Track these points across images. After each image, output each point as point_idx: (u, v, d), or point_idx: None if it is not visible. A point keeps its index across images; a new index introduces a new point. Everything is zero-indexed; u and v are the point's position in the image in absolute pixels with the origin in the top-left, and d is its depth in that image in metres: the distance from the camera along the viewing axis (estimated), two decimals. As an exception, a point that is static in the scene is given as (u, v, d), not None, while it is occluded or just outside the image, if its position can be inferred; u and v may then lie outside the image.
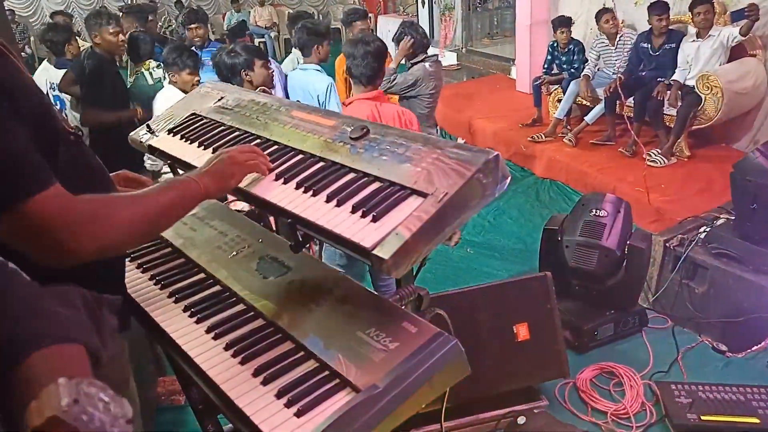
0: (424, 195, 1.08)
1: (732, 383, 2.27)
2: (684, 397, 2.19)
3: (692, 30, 4.80)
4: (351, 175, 1.22)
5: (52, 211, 0.92)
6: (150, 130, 1.75)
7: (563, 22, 5.44)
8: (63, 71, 4.13)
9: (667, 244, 3.05)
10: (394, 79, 3.70)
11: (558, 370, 2.25)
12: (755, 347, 2.53)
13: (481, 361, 2.08)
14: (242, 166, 1.25)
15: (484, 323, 2.17)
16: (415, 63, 3.81)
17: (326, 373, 1.07)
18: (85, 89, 3.76)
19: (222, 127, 1.61)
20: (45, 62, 4.61)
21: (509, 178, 1.14)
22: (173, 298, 1.36)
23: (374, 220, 1.08)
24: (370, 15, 8.31)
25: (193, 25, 4.62)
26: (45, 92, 4.04)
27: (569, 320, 2.67)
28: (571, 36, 5.50)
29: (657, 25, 4.76)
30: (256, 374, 1.10)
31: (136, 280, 1.44)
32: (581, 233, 2.83)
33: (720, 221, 3.06)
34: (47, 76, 4.24)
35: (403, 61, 3.90)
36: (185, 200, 1.15)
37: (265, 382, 1.08)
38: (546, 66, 5.75)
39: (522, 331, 2.20)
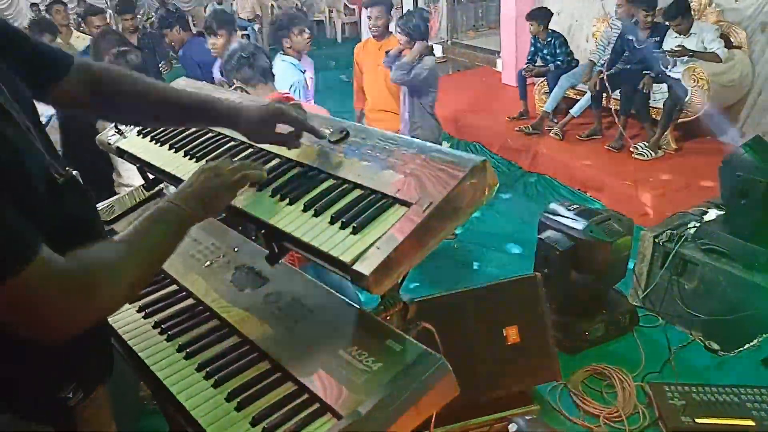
0: (408, 204, 1.01)
1: (726, 384, 2.23)
2: (677, 399, 2.15)
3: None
4: (330, 182, 1.14)
5: (37, 289, 0.79)
6: (119, 131, 1.65)
7: (534, 16, 5.40)
8: None
9: (656, 240, 3.00)
10: (411, 72, 3.58)
11: (549, 373, 2.20)
12: (747, 345, 2.49)
13: (471, 366, 2.02)
14: (229, 186, 1.08)
15: (473, 327, 2.10)
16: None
17: (305, 396, 1.00)
18: None
19: (194, 129, 1.52)
20: None
21: (497, 184, 1.07)
22: (142, 314, 1.28)
23: (355, 231, 1.00)
24: (353, 7, 8.20)
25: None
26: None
27: (559, 321, 2.62)
28: (550, 29, 5.45)
29: (644, 20, 4.73)
30: (230, 398, 1.03)
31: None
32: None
33: (709, 216, 3.02)
34: None
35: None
36: (176, 234, 1.01)
37: (239, 408, 1.01)
38: (529, 58, 5.71)
39: (512, 334, 2.14)
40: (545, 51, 5.51)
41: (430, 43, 3.79)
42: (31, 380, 0.95)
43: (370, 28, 4.19)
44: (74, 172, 1.00)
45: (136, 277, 0.93)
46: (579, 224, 2.56)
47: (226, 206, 1.15)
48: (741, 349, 2.49)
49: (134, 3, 10.33)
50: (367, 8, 4.16)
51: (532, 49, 5.66)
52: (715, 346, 2.57)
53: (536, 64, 5.66)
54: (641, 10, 4.71)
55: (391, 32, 4.10)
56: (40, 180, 0.89)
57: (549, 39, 5.43)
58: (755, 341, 2.46)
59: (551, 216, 2.68)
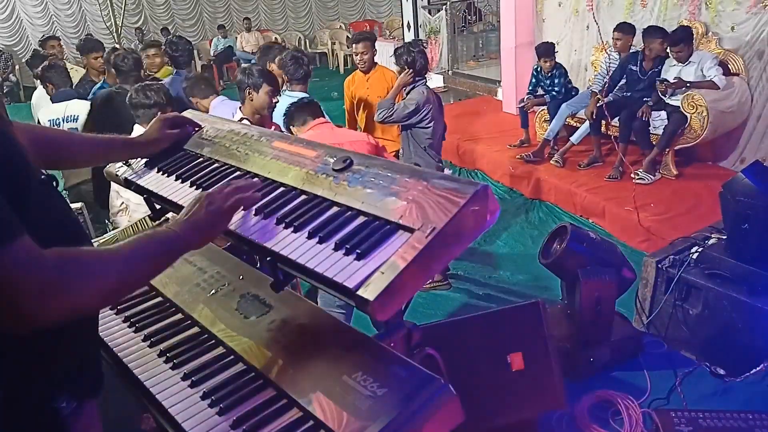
0: (411, 230, 1.02)
1: (733, 409, 2.21)
2: (684, 425, 2.13)
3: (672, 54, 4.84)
4: (334, 210, 1.16)
5: (18, 267, 0.80)
6: (126, 163, 1.68)
7: (547, 52, 5.48)
8: (71, 102, 4.07)
9: (659, 265, 3.01)
10: (393, 108, 3.65)
11: (554, 400, 2.18)
12: (754, 370, 2.48)
13: (476, 393, 2.01)
14: (224, 213, 1.13)
15: (477, 354, 2.10)
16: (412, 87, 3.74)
17: (310, 423, 1.00)
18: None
19: (201, 159, 1.55)
20: (40, 94, 4.58)
21: (499, 210, 1.08)
22: (148, 342, 1.29)
23: (359, 257, 1.02)
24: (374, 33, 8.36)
25: (151, 51, 4.65)
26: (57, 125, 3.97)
27: (564, 347, 2.61)
28: (555, 61, 5.54)
29: (658, 49, 4.77)
30: (235, 426, 1.03)
31: (109, 322, 1.37)
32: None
33: (711, 241, 3.02)
34: (47, 113, 4.15)
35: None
36: (167, 256, 1.05)
37: (244, 435, 1.01)
38: (530, 89, 5.78)
39: (516, 361, 2.13)
40: (547, 81, 5.59)
41: (424, 76, 3.83)
42: (25, 389, 0.98)
43: (356, 63, 4.35)
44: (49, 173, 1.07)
45: (114, 283, 0.95)
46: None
47: (232, 235, 1.17)
48: (747, 374, 2.47)
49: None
50: (352, 45, 4.30)
51: (533, 80, 5.74)
52: (721, 372, 2.56)
53: (537, 94, 5.73)
54: (657, 40, 4.73)
55: (377, 63, 4.35)
56: (25, 174, 0.93)
57: (553, 71, 5.51)
58: (761, 366, 2.44)
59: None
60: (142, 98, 2.92)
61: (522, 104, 5.78)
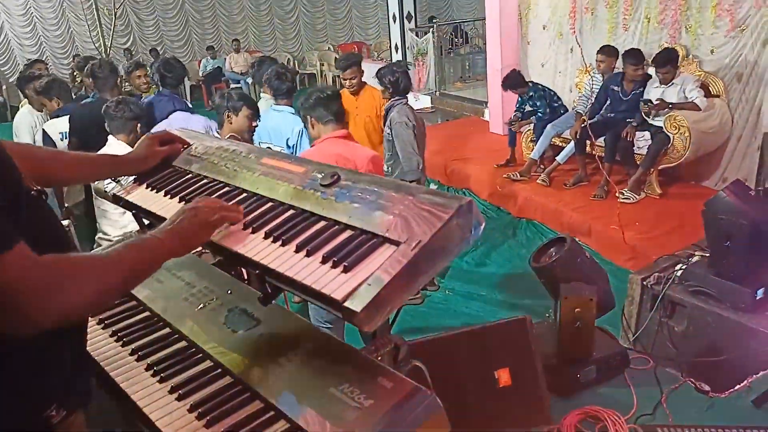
0: (396, 243, 1.04)
1: (718, 424, 2.23)
2: (670, 441, 2.14)
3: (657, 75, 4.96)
4: (322, 224, 1.18)
5: (15, 273, 0.85)
6: (115, 179, 1.69)
7: (511, 86, 5.62)
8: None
9: (644, 283, 3.04)
10: (409, 152, 3.68)
11: (542, 416, 2.19)
12: (738, 386, 2.50)
13: (462, 409, 2.01)
14: (207, 225, 1.18)
15: (464, 370, 2.11)
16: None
17: (297, 434, 1.01)
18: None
19: (190, 176, 1.56)
20: (23, 113, 4.58)
21: (483, 224, 1.11)
22: (135, 356, 1.29)
23: (346, 270, 1.04)
24: (361, 55, 8.48)
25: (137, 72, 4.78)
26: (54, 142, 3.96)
27: (551, 363, 2.62)
28: (531, 82, 5.66)
29: (632, 74, 4.91)
30: (222, 438, 1.03)
31: (96, 337, 1.37)
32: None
33: (695, 258, 3.07)
34: (57, 127, 4.14)
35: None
36: (151, 261, 1.09)
37: (231, 447, 1.01)
38: (517, 106, 5.88)
39: (503, 377, 2.14)
40: (529, 102, 5.69)
41: (406, 96, 3.88)
42: (17, 399, 1.00)
43: (346, 87, 4.43)
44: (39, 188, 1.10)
45: (106, 285, 1.00)
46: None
47: (221, 249, 1.19)
48: (732, 390, 2.49)
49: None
50: (341, 71, 4.39)
51: (519, 99, 5.85)
52: (706, 387, 2.57)
53: (525, 111, 5.82)
54: (630, 65, 4.89)
55: (365, 83, 4.46)
56: (20, 188, 0.98)
57: (530, 93, 5.62)
58: (745, 382, 2.46)
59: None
60: (118, 111, 2.99)
61: (511, 123, 5.86)
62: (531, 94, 5.61)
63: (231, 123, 3.09)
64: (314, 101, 2.85)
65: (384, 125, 3.87)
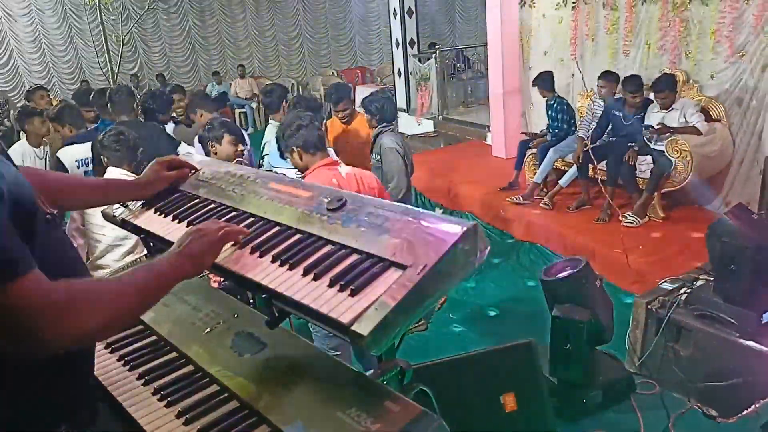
0: (403, 267, 1.06)
1: (725, 451, 2.21)
2: (678, 468, 2.13)
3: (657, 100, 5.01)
4: (328, 248, 1.19)
5: (31, 298, 0.88)
6: (124, 204, 1.71)
7: (542, 83, 5.63)
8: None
9: (649, 307, 3.03)
10: (395, 179, 3.67)
11: (547, 442, 2.18)
12: (745, 411, 2.48)
13: (468, 435, 2.00)
14: (214, 243, 1.20)
15: (470, 394, 2.10)
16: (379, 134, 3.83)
17: (304, 459, 1.01)
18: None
19: (198, 200, 1.58)
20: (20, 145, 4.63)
21: (488, 248, 1.12)
22: (142, 380, 1.29)
23: (353, 294, 1.05)
24: (349, 85, 8.58)
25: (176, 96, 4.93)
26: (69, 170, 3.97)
27: (556, 387, 2.61)
28: (557, 95, 5.65)
29: (631, 102, 4.96)
30: (229, 463, 1.03)
31: (104, 361, 1.37)
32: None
33: (699, 282, 3.07)
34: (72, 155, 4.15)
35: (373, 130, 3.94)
36: (162, 284, 1.11)
37: (238, 472, 1.01)
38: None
39: (509, 402, 2.13)
40: (549, 112, 5.68)
41: (392, 123, 3.89)
42: (29, 418, 1.02)
43: (339, 119, 4.48)
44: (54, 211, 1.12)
45: (119, 312, 1.02)
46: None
47: (229, 273, 1.21)
48: (739, 415, 2.47)
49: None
50: (333, 105, 4.45)
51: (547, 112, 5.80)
52: (714, 413, 2.56)
53: (541, 132, 5.85)
54: (628, 93, 4.95)
55: (355, 110, 4.53)
56: (35, 213, 1.00)
57: (553, 103, 5.61)
58: (753, 407, 2.45)
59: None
60: (119, 143, 2.98)
61: (529, 144, 5.86)
62: (553, 103, 5.63)
63: (216, 153, 3.10)
64: (296, 130, 2.75)
65: (372, 152, 3.89)
